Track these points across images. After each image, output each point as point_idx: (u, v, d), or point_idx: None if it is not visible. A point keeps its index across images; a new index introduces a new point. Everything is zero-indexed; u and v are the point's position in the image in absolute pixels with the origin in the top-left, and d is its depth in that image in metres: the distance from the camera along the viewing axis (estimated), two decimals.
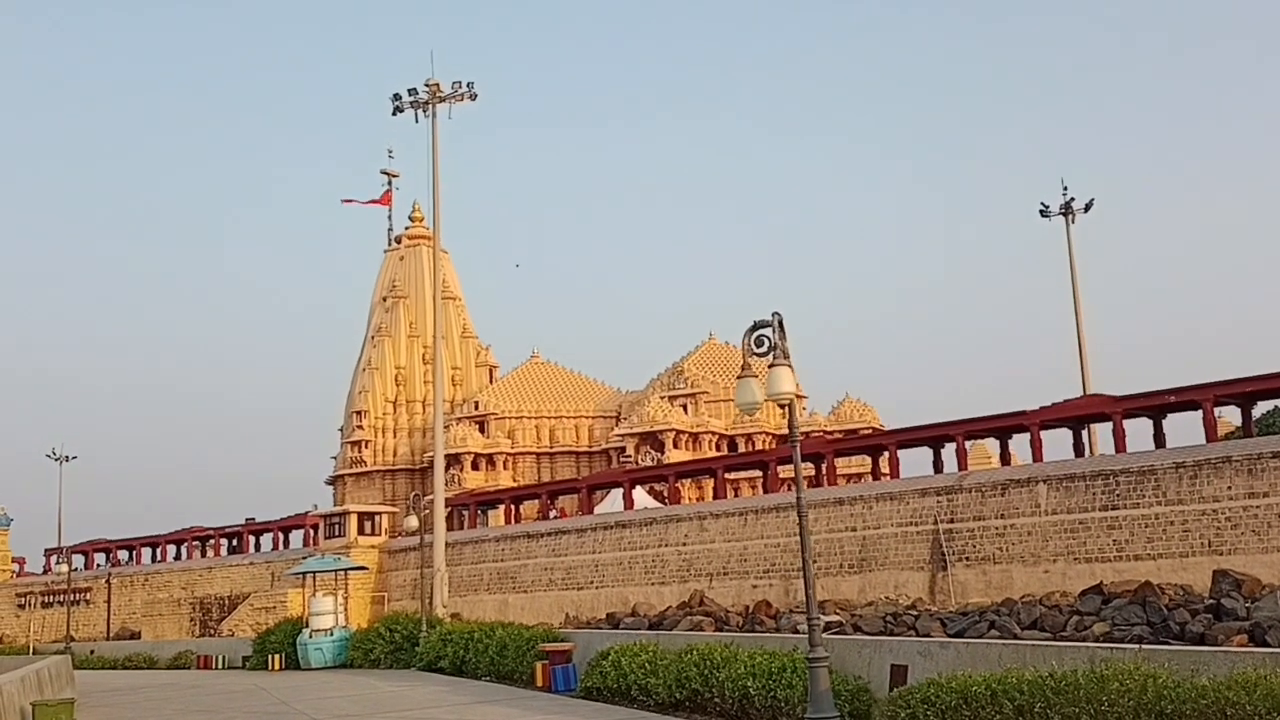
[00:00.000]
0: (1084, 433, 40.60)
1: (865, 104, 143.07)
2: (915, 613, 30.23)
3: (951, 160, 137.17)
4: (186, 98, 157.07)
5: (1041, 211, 45.62)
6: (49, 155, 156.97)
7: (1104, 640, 22.22)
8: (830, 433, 56.83)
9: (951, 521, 35.10)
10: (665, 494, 54.50)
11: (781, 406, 10.27)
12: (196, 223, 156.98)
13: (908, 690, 8.93)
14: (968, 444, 40.78)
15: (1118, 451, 34.95)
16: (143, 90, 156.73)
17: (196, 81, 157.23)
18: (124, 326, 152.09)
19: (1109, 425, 40.78)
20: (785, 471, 52.80)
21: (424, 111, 36.51)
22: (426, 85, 36.32)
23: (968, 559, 34.53)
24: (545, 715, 13.37)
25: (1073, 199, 45.17)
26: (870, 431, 56.02)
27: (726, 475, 48.38)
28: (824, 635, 19.99)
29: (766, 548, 38.94)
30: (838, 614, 32.52)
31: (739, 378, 10.41)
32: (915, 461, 42.28)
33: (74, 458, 64.09)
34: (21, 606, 65.76)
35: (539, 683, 17.45)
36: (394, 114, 36.57)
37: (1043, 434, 36.87)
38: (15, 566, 71.44)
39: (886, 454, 40.45)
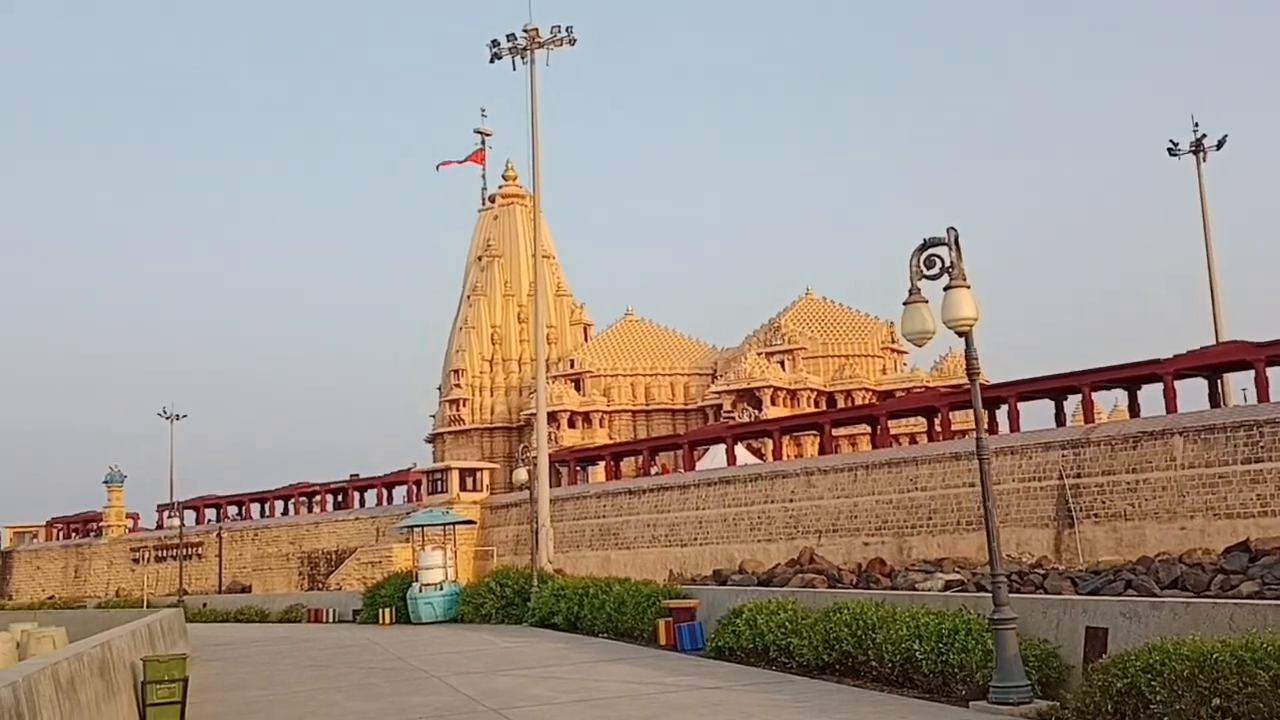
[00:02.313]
0: (1218, 383, 38.24)
1: (979, 43, 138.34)
2: (1042, 571, 28.68)
3: (1072, 99, 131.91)
4: (281, 72, 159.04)
5: (1170, 150, 42.95)
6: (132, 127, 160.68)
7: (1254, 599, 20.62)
8: (936, 388, 54.91)
9: (1078, 476, 33.34)
10: (761, 451, 53.38)
11: (960, 334, 9.07)
12: (295, 189, 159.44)
13: (1123, 657, 7.72)
14: (1077, 396, 38.81)
15: (1260, 401, 32.72)
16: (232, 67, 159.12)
17: (292, 52, 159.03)
18: (232, 292, 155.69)
19: (1240, 376, 38.44)
20: (897, 426, 51.26)
21: (522, 58, 35.52)
22: (525, 30, 35.32)
23: (1096, 515, 32.79)
24: (682, 676, 12.43)
25: (1204, 135, 42.44)
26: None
27: (832, 431, 46.92)
28: (948, 593, 18.75)
29: (878, 504, 37.61)
30: (957, 572, 31.15)
31: (905, 303, 9.22)
32: (1034, 415, 40.47)
33: (184, 416, 65.23)
34: (136, 561, 67.61)
35: (662, 641, 16.58)
36: (491, 61, 35.66)
37: (1175, 384, 34.77)
38: (130, 522, 73.48)
39: (1005, 407, 38.62)
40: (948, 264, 9.13)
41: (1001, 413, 40.42)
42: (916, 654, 10.10)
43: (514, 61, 35.58)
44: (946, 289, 9.04)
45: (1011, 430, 37.48)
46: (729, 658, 13.95)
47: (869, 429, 56.24)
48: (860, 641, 11.08)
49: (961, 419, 52.58)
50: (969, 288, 8.99)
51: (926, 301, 9.21)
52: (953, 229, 9.06)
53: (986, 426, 43.51)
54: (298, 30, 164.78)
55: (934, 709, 9.29)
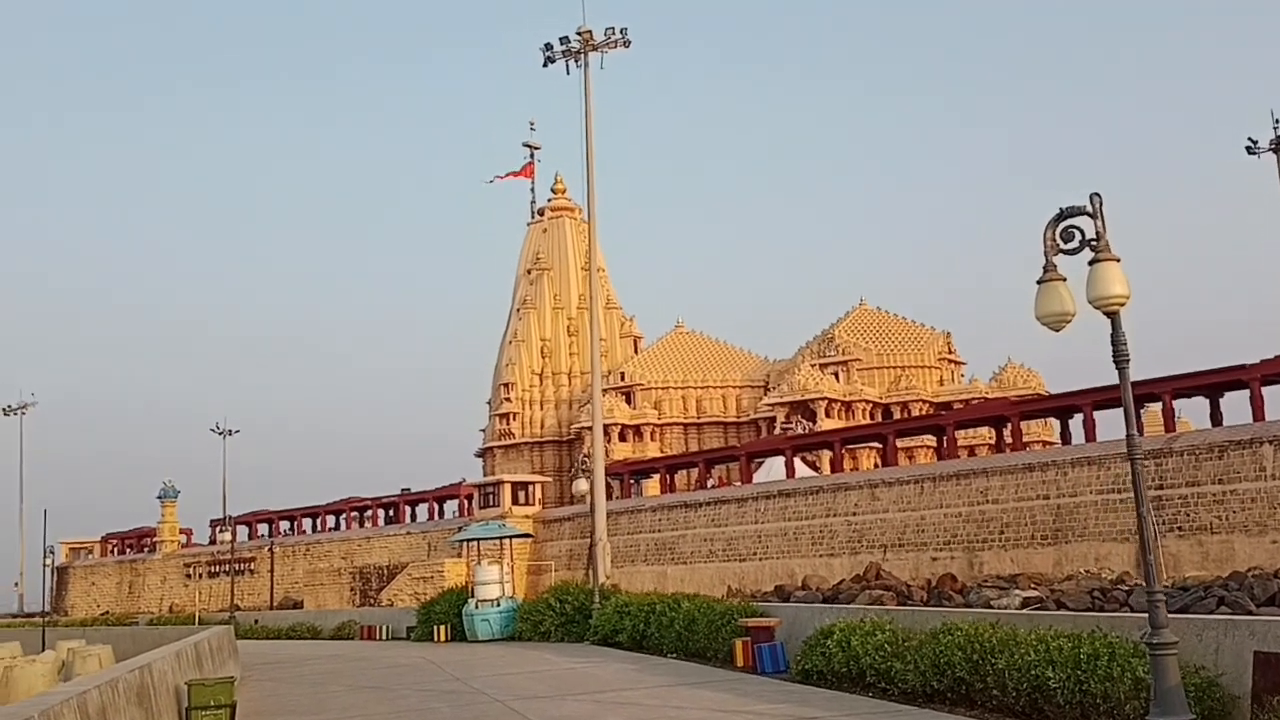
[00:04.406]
0: None
1: (1038, 42, 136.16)
2: (1126, 588, 27.30)
3: (1142, 96, 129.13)
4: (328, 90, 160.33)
5: (1249, 148, 41.18)
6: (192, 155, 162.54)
7: None
8: (1005, 398, 53.24)
9: (1160, 488, 31.71)
10: (816, 463, 52.01)
11: (1108, 315, 7.92)
12: (347, 211, 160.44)
13: None
14: (1156, 405, 37.12)
15: None
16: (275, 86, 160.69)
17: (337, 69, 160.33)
18: (285, 311, 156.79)
19: None
20: (964, 437, 49.69)
21: (575, 61, 34.71)
22: (578, 33, 34.53)
23: (1180, 529, 31.16)
24: (772, 704, 11.32)
25: None
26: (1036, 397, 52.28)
27: (897, 443, 45.47)
28: (1028, 611, 17.46)
29: (946, 517, 36.17)
30: (1034, 589, 29.68)
31: (1039, 282, 8.09)
32: (1111, 425, 38.74)
33: (237, 431, 65.17)
34: (189, 576, 67.49)
35: (739, 663, 15.45)
36: (545, 65, 34.88)
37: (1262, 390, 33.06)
38: (183, 537, 73.48)
39: (1080, 416, 37.04)
40: (1090, 236, 8.01)
41: (1076, 422, 38.86)
42: (1050, 682, 8.92)
43: (568, 65, 34.80)
44: (1092, 263, 7.91)
45: (1087, 440, 35.91)
46: (817, 682, 12.81)
47: (926, 442, 54.71)
48: (977, 667, 9.90)
49: (1030, 430, 50.87)
50: (1118, 260, 7.85)
51: (1064, 279, 8.08)
52: (1096, 195, 7.94)
53: (1059, 436, 42.03)
54: (344, 43, 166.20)
55: None
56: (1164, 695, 7.62)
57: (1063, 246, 8.09)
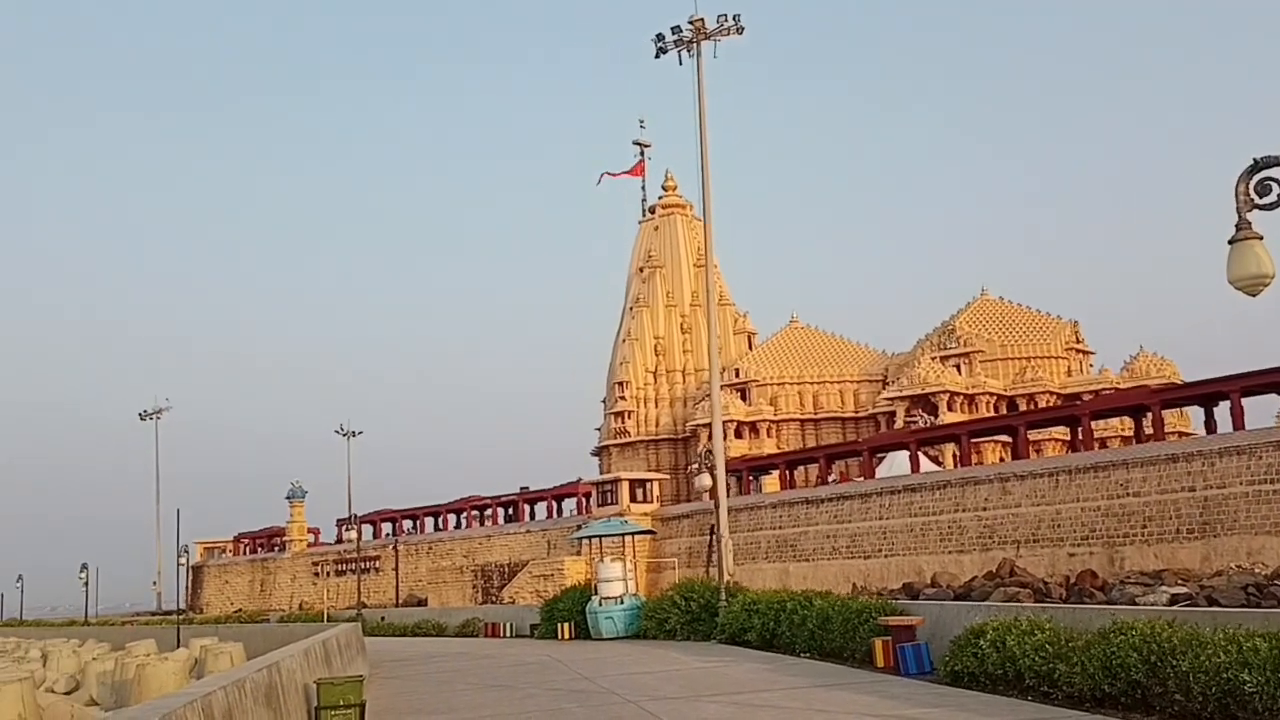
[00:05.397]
0: None
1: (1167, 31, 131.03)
2: None
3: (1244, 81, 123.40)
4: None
5: None
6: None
7: None
8: (1145, 386, 50.88)
9: None
10: (938, 458, 50.49)
11: None
12: (463, 224, 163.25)
13: None
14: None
15: None
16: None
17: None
18: (408, 314, 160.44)
19: None
20: (1096, 429, 47.63)
21: (688, 51, 34.20)
22: (690, 22, 34.02)
23: None
24: (925, 708, 10.58)
25: None
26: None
27: (1029, 434, 43.77)
28: (1175, 608, 16.25)
29: (1084, 511, 34.55)
30: (1182, 585, 28.05)
31: (1231, 241, 7.24)
32: (1260, 411, 36.66)
33: (360, 433, 66.49)
34: (317, 574, 69.12)
35: (879, 663, 14.71)
36: (657, 56, 34.41)
37: None
38: (310, 536, 75.34)
39: (1228, 404, 34.98)
40: None
41: (1221, 410, 36.80)
42: (1245, 686, 8.04)
43: (680, 55, 34.31)
44: None
45: (1235, 428, 33.89)
46: (968, 684, 12.01)
47: (1055, 435, 52.66)
48: (1155, 669, 9.04)
49: (1166, 420, 48.47)
50: None
51: (1261, 238, 7.22)
52: None
53: (1203, 425, 39.83)
54: (459, 49, 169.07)
55: None
56: None
57: (1258, 201, 7.23)
